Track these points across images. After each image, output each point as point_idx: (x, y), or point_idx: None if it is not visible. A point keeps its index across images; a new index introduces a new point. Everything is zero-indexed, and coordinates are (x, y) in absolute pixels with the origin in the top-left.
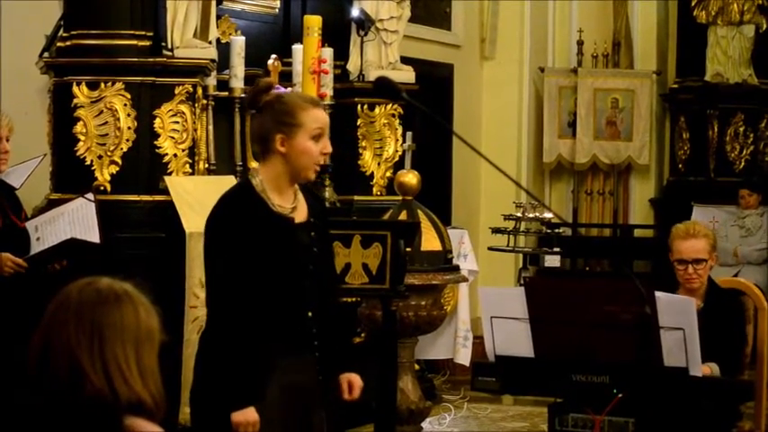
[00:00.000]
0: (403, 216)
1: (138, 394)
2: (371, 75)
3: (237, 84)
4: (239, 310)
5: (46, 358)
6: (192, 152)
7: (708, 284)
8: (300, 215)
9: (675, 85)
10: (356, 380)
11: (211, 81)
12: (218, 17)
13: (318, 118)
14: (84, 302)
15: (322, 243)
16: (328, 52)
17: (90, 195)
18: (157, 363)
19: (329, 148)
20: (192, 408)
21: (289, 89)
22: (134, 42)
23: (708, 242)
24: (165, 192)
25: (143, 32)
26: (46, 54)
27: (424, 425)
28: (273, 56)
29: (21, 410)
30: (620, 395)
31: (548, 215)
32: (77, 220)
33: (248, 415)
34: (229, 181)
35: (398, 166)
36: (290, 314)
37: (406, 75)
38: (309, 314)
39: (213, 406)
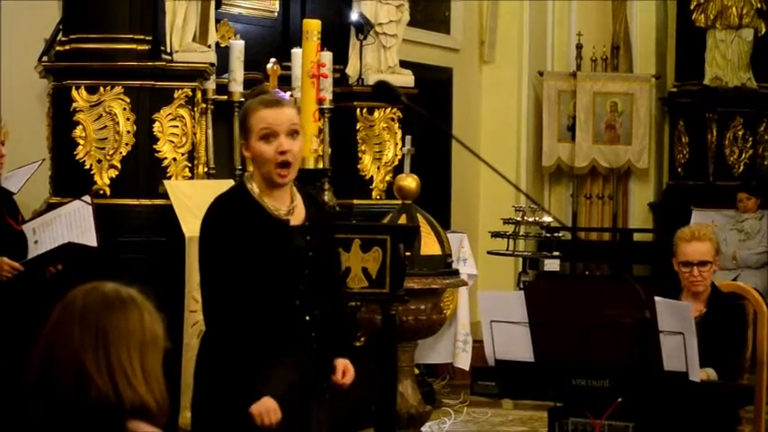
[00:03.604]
0: (402, 220)
1: (142, 398)
2: (371, 79)
3: (237, 88)
4: (235, 311)
5: (51, 362)
6: (191, 156)
7: (711, 290)
8: (297, 218)
9: (674, 89)
10: (350, 367)
11: (210, 85)
12: (217, 21)
13: (264, 118)
14: (89, 307)
15: (320, 247)
16: (327, 56)
17: (87, 198)
18: (161, 368)
19: (284, 146)
20: (194, 412)
21: (287, 93)
22: (133, 46)
23: (712, 245)
24: (165, 196)
25: (142, 36)
26: (45, 58)
27: (424, 429)
28: (272, 60)
29: (25, 414)
30: (619, 399)
31: (547, 219)
32: (74, 223)
33: (267, 403)
34: (228, 185)
35: (398, 169)
36: (285, 317)
37: (406, 78)
38: (307, 318)
39: (224, 406)
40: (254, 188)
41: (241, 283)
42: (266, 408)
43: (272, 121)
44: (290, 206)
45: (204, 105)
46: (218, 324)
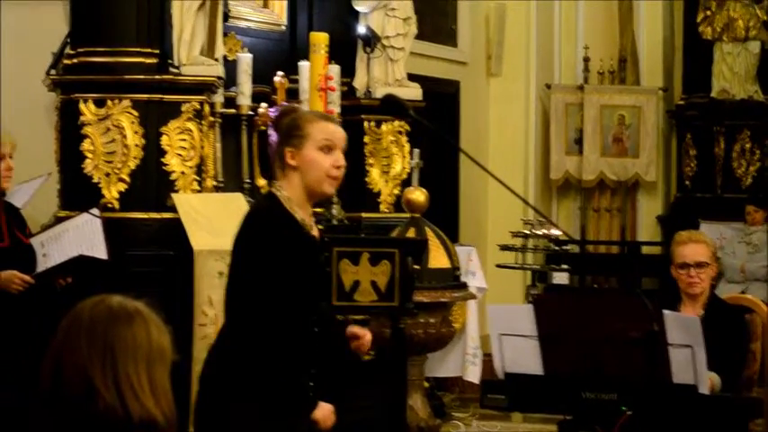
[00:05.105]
0: (411, 233)
1: (149, 412)
2: (378, 92)
3: (244, 101)
4: (282, 324)
5: (59, 375)
6: (199, 169)
7: (710, 295)
8: (316, 233)
9: (682, 102)
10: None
11: (218, 98)
12: (225, 34)
13: (327, 130)
14: (96, 320)
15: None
16: (335, 69)
17: (95, 211)
18: (169, 381)
19: (341, 162)
20: (201, 427)
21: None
22: (141, 60)
23: (709, 248)
24: (173, 209)
25: (150, 50)
26: (53, 71)
27: None
28: (280, 73)
29: (35, 427)
30: (629, 412)
31: (555, 232)
32: (83, 236)
33: (326, 408)
34: (237, 198)
35: (406, 183)
36: (304, 331)
37: (413, 92)
38: (315, 330)
39: (274, 415)
40: (286, 200)
41: (284, 298)
42: (328, 411)
43: (335, 136)
44: (311, 220)
45: (212, 119)
46: (268, 336)
